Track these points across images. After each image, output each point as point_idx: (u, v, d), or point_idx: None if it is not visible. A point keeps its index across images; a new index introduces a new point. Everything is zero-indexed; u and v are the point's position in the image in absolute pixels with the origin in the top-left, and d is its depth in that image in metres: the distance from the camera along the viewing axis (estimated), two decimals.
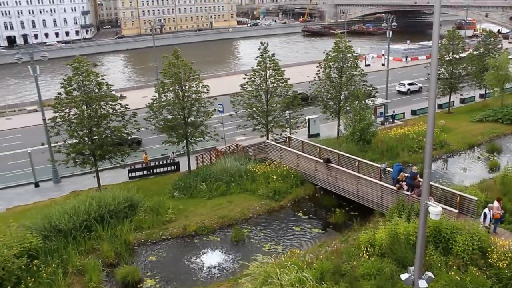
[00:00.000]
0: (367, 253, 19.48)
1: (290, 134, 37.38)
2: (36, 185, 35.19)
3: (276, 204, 28.34)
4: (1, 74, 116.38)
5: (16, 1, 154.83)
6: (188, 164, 34.15)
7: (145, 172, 35.65)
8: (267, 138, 36.43)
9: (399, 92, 60.41)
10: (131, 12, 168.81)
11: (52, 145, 32.38)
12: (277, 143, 35.11)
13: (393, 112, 48.05)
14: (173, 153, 36.60)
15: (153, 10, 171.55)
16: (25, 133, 49.89)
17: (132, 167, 35.40)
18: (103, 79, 30.86)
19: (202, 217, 26.76)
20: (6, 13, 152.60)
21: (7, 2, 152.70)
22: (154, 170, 35.75)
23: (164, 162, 36.75)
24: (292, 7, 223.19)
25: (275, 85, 35.99)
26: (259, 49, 35.74)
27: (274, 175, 30.15)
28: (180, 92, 32.30)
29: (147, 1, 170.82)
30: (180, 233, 25.48)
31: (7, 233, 20.92)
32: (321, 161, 29.65)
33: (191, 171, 33.71)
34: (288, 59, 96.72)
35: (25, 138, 47.36)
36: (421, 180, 21.34)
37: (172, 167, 36.17)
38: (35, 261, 20.63)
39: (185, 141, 32.90)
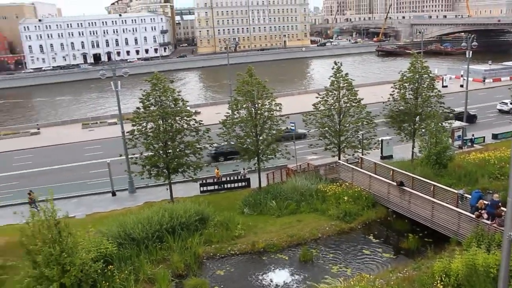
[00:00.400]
0: (442, 283, 18.47)
1: (363, 155, 36.63)
2: (113, 194, 36.98)
3: (346, 225, 27.73)
4: (87, 88, 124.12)
5: (103, 22, 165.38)
6: (258, 181, 34.38)
7: (216, 186, 36.33)
8: (339, 158, 35.92)
9: (501, 111, 57.88)
10: (207, 31, 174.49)
11: (129, 156, 33.82)
12: (349, 163, 34.50)
13: (472, 135, 45.80)
14: (244, 169, 37.02)
15: (228, 29, 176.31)
16: (105, 144, 52.67)
17: (204, 181, 36.20)
18: (179, 95, 31.90)
19: (271, 234, 26.70)
20: (94, 33, 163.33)
21: (95, 23, 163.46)
22: (225, 186, 36.35)
23: (235, 178, 37.25)
24: (366, 26, 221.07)
25: (348, 105, 35.53)
26: (332, 68, 35.51)
27: (345, 196, 29.60)
28: (253, 109, 32.70)
29: (223, 21, 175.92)
30: (248, 249, 25.55)
31: (86, 238, 21.92)
32: (394, 184, 28.74)
33: (262, 188, 33.86)
34: (362, 79, 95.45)
35: (105, 149, 50.00)
36: (504, 209, 20.06)
37: (243, 183, 36.57)
38: (110, 266, 21.43)
39: (256, 158, 33.18)
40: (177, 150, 31.19)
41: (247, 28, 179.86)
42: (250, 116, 32.57)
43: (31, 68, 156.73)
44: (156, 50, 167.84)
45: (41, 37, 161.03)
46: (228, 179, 37.18)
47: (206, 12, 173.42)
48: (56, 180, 40.49)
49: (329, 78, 36.02)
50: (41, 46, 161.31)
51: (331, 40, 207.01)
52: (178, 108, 31.39)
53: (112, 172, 36.60)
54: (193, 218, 26.26)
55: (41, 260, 18.11)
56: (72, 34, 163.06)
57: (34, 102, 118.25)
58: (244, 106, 32.86)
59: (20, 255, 20.05)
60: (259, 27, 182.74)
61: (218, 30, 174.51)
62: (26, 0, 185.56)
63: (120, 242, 23.85)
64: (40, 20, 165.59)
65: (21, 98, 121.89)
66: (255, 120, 32.45)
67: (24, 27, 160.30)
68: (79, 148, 53.44)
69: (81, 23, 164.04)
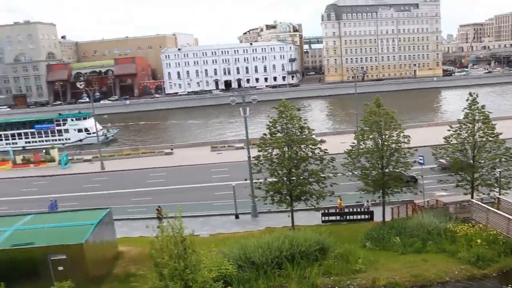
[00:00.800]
0: None
1: (500, 194, 33.53)
2: (237, 216, 38.16)
3: (478, 271, 25.39)
4: (217, 113, 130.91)
5: (234, 50, 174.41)
6: (382, 215, 33.12)
7: (338, 217, 35.74)
8: (472, 197, 33.26)
9: None
10: (335, 59, 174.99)
11: (253, 181, 34.72)
12: (483, 203, 31.78)
13: None
14: (367, 201, 35.98)
15: (356, 58, 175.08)
16: (231, 167, 54.79)
17: (326, 211, 35.83)
18: (305, 123, 32.19)
19: (393, 272, 25.43)
20: (226, 61, 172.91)
21: (227, 51, 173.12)
22: (348, 217, 35.60)
23: (358, 210, 36.34)
24: (508, 54, 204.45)
25: (484, 139, 32.93)
26: (467, 100, 33.29)
27: (478, 238, 27.19)
28: (380, 140, 31.81)
29: (351, 50, 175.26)
30: (368, 285, 24.57)
31: (209, 257, 22.77)
32: None
33: (386, 223, 32.56)
34: (501, 112, 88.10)
35: (231, 172, 51.99)
36: None
37: (366, 216, 35.51)
38: (229, 287, 22.00)
39: (381, 191, 32.06)
40: (301, 177, 31.31)
41: (376, 57, 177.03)
42: (377, 147, 31.68)
43: (169, 93, 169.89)
44: (284, 78, 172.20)
45: (179, 64, 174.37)
46: (350, 210, 36.37)
47: (334, 41, 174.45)
48: (185, 198, 42.91)
49: (463, 110, 33.79)
50: (178, 73, 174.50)
51: (465, 69, 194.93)
52: (304, 136, 31.63)
53: (237, 195, 37.89)
54: (313, 247, 26.01)
55: (166, 273, 19.02)
56: (206, 62, 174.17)
57: (170, 124, 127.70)
58: (371, 136, 32.09)
59: (149, 266, 21.41)
60: (388, 56, 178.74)
61: (346, 59, 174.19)
62: (169, 31, 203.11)
63: (240, 264, 24.40)
64: (179, 49, 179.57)
65: (159, 120, 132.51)
66: (382, 151, 31.46)
67: (165, 55, 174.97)
68: (207, 169, 56.26)
69: (215, 52, 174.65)
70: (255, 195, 35.14)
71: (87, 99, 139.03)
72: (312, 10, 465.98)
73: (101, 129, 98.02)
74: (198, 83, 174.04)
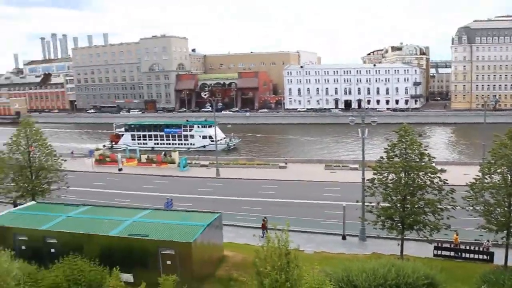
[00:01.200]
0: None
1: None
2: (343, 237, 37.36)
3: None
4: (334, 132, 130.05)
5: (357, 71, 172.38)
6: (505, 258, 30.13)
7: (452, 253, 33.32)
8: None
9: None
10: (463, 85, 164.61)
11: (365, 204, 33.78)
12: None
13: None
14: (488, 241, 33.06)
15: (488, 85, 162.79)
16: (344, 187, 53.83)
17: (439, 245, 33.61)
18: (425, 149, 30.67)
19: None
20: (347, 81, 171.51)
21: (350, 71, 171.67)
22: (463, 254, 33.02)
23: (476, 248, 33.52)
24: None
25: None
26: None
27: None
28: (509, 176, 29.17)
29: (482, 76, 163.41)
30: None
31: (310, 273, 22.46)
32: None
33: (508, 267, 29.64)
34: None
35: (343, 192, 51.02)
36: None
37: (485, 256, 32.64)
38: None
39: (505, 231, 29.30)
40: (416, 206, 29.84)
41: (511, 85, 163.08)
42: (505, 183, 29.02)
43: (288, 108, 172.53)
44: (406, 101, 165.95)
45: (300, 81, 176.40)
46: (467, 248, 33.69)
47: (464, 66, 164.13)
48: (293, 212, 43.01)
49: None
50: (299, 90, 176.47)
51: None
52: (423, 163, 30.17)
53: (346, 216, 37.10)
54: (422, 281, 24.38)
55: (267, 283, 19.08)
56: (328, 81, 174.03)
57: (285, 138, 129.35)
58: (499, 171, 29.55)
59: (251, 273, 21.70)
60: None
61: (476, 85, 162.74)
62: (292, 48, 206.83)
63: (341, 286, 23.73)
64: (301, 67, 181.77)
65: (276, 134, 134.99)
66: (510, 188, 28.82)
67: (288, 71, 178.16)
68: (319, 187, 55.92)
69: (337, 71, 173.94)
70: (365, 218, 34.19)
71: (210, 109, 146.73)
72: (440, 34, 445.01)
73: (224, 138, 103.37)
74: (317, 100, 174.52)
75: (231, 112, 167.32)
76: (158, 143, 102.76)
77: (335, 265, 26.08)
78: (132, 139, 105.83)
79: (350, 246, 35.77)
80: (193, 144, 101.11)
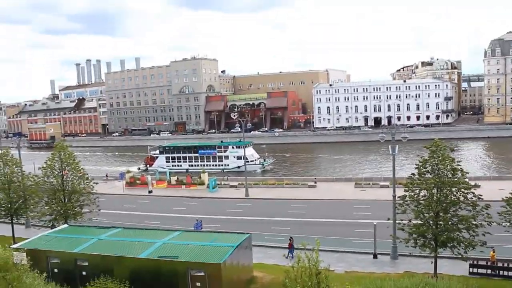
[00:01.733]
0: None
1: None
2: (375, 256, 36.54)
3: None
4: (365, 150, 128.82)
5: (387, 87, 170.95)
6: None
7: (489, 271, 32.09)
8: None
9: None
10: (497, 99, 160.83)
11: (396, 221, 33.07)
12: None
13: None
14: None
15: None
16: (374, 205, 53.00)
17: (475, 262, 32.45)
18: (458, 164, 29.94)
19: None
20: (377, 97, 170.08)
21: (379, 88, 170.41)
22: (500, 272, 31.77)
23: None
24: None
25: None
26: None
27: None
28: None
29: None
30: None
31: None
32: None
33: None
34: None
35: (373, 210, 50.26)
36: None
37: None
38: None
39: None
40: (449, 223, 29.00)
41: None
42: None
43: (317, 127, 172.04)
44: (437, 117, 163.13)
45: (329, 99, 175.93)
46: (505, 265, 32.43)
47: (498, 79, 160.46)
48: (323, 232, 42.44)
49: None
50: (328, 108, 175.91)
51: None
52: (456, 179, 29.42)
53: (377, 235, 36.37)
54: None
55: None
56: (357, 98, 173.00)
57: (315, 157, 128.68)
58: None
59: None
60: None
61: (511, 98, 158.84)
62: (321, 67, 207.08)
63: None
64: (330, 85, 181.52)
65: (305, 153, 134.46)
66: None
67: (317, 90, 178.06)
68: (349, 205, 55.18)
69: (366, 88, 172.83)
70: (397, 236, 33.44)
71: (239, 129, 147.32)
72: (473, 46, 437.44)
73: (258, 158, 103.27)
74: (347, 118, 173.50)
75: (260, 132, 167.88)
76: (192, 165, 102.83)
77: (367, 285, 25.43)
78: (167, 161, 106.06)
79: (381, 265, 34.93)
80: (228, 165, 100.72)
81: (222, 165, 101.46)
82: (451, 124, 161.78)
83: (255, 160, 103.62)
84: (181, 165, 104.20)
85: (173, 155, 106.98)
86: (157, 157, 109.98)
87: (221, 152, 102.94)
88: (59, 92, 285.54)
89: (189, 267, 26.81)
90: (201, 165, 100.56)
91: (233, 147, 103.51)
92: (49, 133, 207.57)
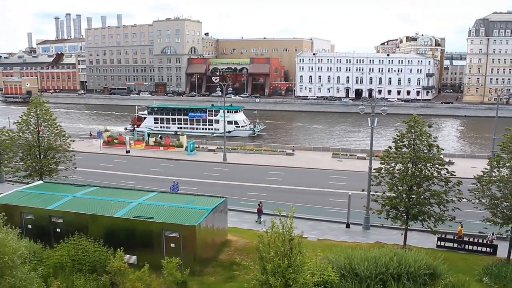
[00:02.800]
0: None
1: None
2: (347, 226, 37.38)
3: None
4: (343, 121, 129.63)
5: (370, 60, 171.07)
6: (508, 251, 30.06)
7: (455, 244, 33.19)
8: None
9: None
10: (477, 78, 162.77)
11: (371, 193, 33.72)
12: None
13: None
14: (492, 234, 32.89)
15: (502, 79, 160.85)
16: (350, 176, 53.85)
17: (443, 236, 33.49)
18: (434, 141, 30.42)
19: None
20: (359, 69, 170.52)
21: (362, 60, 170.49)
22: (466, 246, 32.90)
23: (480, 241, 33.39)
24: None
25: None
26: None
27: None
28: None
29: (497, 69, 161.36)
30: None
31: (313, 260, 22.53)
32: None
33: (510, 260, 29.53)
34: None
35: (349, 181, 51.09)
36: None
37: (488, 249, 32.48)
38: None
39: (510, 225, 29.13)
40: (421, 197, 29.69)
41: None
42: None
43: (298, 96, 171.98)
44: (418, 92, 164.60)
45: (312, 69, 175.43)
46: (471, 240, 33.57)
47: (479, 59, 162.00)
48: (298, 199, 43.10)
49: None
50: (310, 77, 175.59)
51: None
52: (431, 155, 29.95)
53: (351, 205, 37.09)
54: (423, 270, 24.41)
55: (269, 268, 19.21)
56: (340, 69, 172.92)
57: (293, 125, 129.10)
58: (508, 164, 29.30)
59: (253, 258, 21.86)
60: None
61: (491, 78, 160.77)
62: (306, 36, 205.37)
63: (343, 273, 23.81)
64: (314, 54, 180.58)
65: (284, 120, 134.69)
66: None
67: (300, 59, 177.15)
68: (325, 175, 55.90)
69: (349, 60, 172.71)
70: (370, 207, 34.16)
71: (220, 93, 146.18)
72: (458, 25, 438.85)
73: (249, 124, 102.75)
74: (328, 89, 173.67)
75: (241, 98, 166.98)
76: (182, 127, 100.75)
77: (338, 253, 26.13)
78: (155, 122, 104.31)
79: (353, 234, 35.80)
80: (218, 130, 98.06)
81: (212, 129, 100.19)
82: (430, 100, 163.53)
83: (246, 125, 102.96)
84: (169, 127, 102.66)
85: (162, 116, 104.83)
86: (145, 117, 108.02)
87: (212, 116, 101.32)
88: (36, 45, 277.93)
89: (163, 228, 26.98)
90: (190, 128, 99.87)
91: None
92: (25, 87, 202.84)
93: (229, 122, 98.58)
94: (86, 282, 22.67)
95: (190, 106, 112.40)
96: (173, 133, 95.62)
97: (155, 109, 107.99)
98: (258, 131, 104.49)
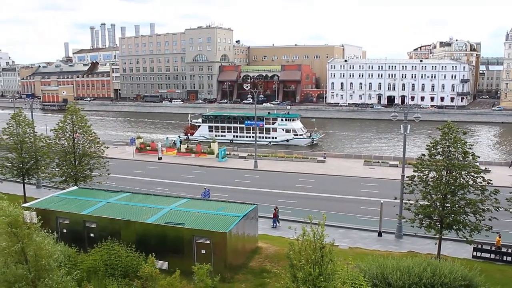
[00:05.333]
0: None
1: None
2: (379, 234, 36.77)
3: None
4: (375, 128, 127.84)
5: (402, 66, 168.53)
6: None
7: (492, 255, 32.19)
8: None
9: None
10: None
11: (403, 201, 33.10)
12: None
13: None
14: None
15: None
16: (382, 184, 53.08)
17: (479, 246, 32.56)
18: (470, 148, 29.66)
19: None
20: (392, 76, 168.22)
21: (395, 66, 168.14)
22: (504, 257, 31.85)
23: None
24: None
25: None
26: None
27: None
28: None
29: None
30: None
31: (344, 268, 22.22)
32: None
33: None
34: None
35: (381, 188, 50.36)
36: None
37: None
38: None
39: None
40: (456, 205, 28.95)
41: None
42: None
43: (330, 102, 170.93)
44: (452, 99, 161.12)
45: (343, 75, 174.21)
46: (509, 251, 32.48)
47: None
48: (329, 207, 42.71)
49: None
50: (342, 84, 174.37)
51: None
52: (466, 162, 29.22)
53: (383, 213, 36.50)
54: (458, 282, 23.76)
55: (300, 276, 19.02)
56: (372, 75, 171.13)
57: (326, 133, 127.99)
58: None
59: (284, 266, 21.73)
60: None
61: None
62: (337, 42, 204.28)
63: (375, 283, 23.42)
64: (345, 61, 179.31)
65: (315, 127, 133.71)
66: None
67: (331, 65, 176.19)
68: (356, 182, 55.24)
69: (381, 66, 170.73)
70: (402, 216, 33.52)
71: (251, 100, 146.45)
72: (493, 29, 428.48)
73: (306, 132, 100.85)
74: (360, 95, 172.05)
75: (272, 105, 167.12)
76: (237, 136, 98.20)
77: (370, 262, 25.73)
78: (210, 131, 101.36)
79: (385, 243, 35.18)
80: (275, 138, 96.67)
81: (269, 138, 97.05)
82: (465, 107, 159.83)
83: (304, 133, 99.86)
84: (225, 135, 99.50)
85: (217, 124, 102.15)
86: (199, 125, 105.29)
87: (269, 124, 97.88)
88: (72, 55, 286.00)
89: (194, 234, 27.16)
90: (246, 137, 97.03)
91: (282, 119, 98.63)
92: (62, 95, 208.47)
93: (287, 131, 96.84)
94: (118, 286, 22.99)
95: (246, 114, 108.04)
96: (229, 141, 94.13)
97: (209, 116, 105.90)
98: (318, 139, 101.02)
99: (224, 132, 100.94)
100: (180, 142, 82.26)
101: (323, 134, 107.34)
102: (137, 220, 29.00)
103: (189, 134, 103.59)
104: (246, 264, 28.92)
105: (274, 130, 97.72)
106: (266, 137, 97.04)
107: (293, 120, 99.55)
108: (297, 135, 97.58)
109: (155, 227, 28.18)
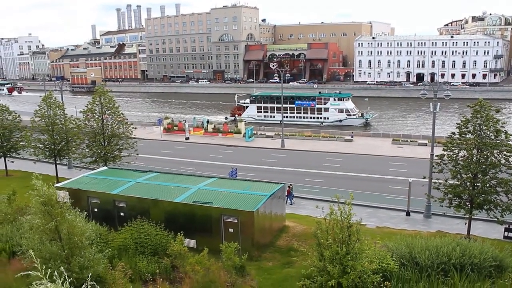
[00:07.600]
0: None
1: None
2: (408, 214, 36.44)
3: None
4: (405, 106, 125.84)
5: (432, 43, 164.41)
6: None
7: None
8: None
9: None
10: None
11: (432, 180, 32.65)
12: None
13: None
14: None
15: None
16: (410, 163, 52.40)
17: (511, 226, 31.95)
18: (502, 126, 28.89)
19: None
20: (421, 53, 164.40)
21: (424, 43, 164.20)
22: None
23: None
24: None
25: None
26: None
27: None
28: None
29: None
30: None
31: (372, 248, 22.14)
32: None
33: None
34: None
35: (409, 167, 49.74)
36: None
37: None
38: (387, 282, 21.13)
39: None
40: (487, 185, 28.34)
41: None
42: None
43: (357, 81, 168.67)
44: (484, 75, 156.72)
45: (371, 53, 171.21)
46: None
47: None
48: (357, 186, 42.46)
49: None
50: (369, 62, 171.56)
51: None
52: (498, 141, 28.50)
53: (412, 192, 36.10)
54: (489, 262, 23.37)
55: (327, 255, 19.12)
56: (400, 53, 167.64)
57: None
58: None
59: (311, 244, 21.80)
60: None
61: None
62: (364, 19, 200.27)
63: (403, 262, 23.26)
64: (373, 38, 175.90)
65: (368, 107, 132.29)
66: None
67: (359, 43, 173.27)
68: (384, 162, 54.71)
69: (410, 43, 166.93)
70: (431, 195, 33.06)
71: (277, 80, 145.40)
72: None
73: (358, 112, 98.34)
74: (388, 73, 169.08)
75: (299, 84, 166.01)
76: (287, 117, 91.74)
77: (398, 241, 25.54)
78: (258, 111, 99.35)
79: (414, 222, 34.86)
80: (327, 118, 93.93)
81: (321, 118, 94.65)
82: (498, 84, 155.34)
83: (356, 113, 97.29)
84: (274, 116, 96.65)
85: (265, 105, 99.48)
86: (247, 106, 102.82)
87: (321, 104, 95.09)
88: (100, 37, 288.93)
89: (222, 213, 27.44)
90: (297, 117, 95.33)
91: (334, 99, 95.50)
92: (90, 77, 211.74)
93: (340, 111, 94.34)
94: (148, 264, 23.49)
95: (296, 94, 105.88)
96: (278, 122, 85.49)
97: (257, 97, 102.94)
98: (371, 119, 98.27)
99: (274, 112, 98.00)
100: (207, 122, 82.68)
101: (376, 114, 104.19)
102: (165, 199, 29.44)
103: (236, 115, 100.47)
104: (273, 242, 29.12)
105: (326, 110, 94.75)
106: (317, 117, 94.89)
107: (346, 99, 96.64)
108: (350, 115, 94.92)
109: (183, 206, 28.57)
